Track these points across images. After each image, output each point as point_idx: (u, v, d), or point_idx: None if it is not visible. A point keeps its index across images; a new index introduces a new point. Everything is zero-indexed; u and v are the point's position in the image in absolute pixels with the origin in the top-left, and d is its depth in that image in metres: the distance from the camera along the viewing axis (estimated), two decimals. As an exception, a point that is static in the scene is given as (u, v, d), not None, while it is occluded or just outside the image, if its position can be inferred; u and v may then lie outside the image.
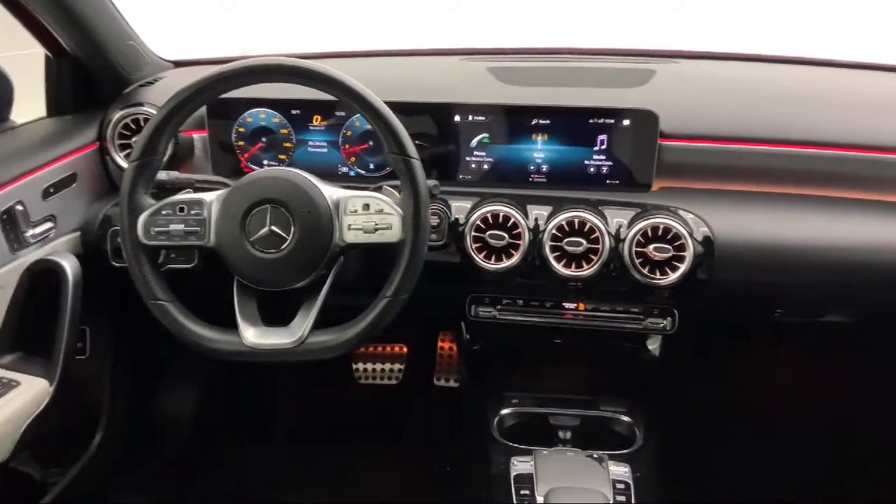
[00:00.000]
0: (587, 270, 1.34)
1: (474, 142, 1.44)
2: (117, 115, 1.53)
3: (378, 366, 2.20)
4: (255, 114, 1.48)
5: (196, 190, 1.27)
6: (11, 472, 1.56)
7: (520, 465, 1.41)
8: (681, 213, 1.36)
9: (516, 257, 1.35)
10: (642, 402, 1.63)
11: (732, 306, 1.47)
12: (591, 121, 1.41)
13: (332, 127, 1.47)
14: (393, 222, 1.17)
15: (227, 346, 1.18)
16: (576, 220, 1.33)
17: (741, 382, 2.00)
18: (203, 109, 1.46)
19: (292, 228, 1.16)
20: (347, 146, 1.47)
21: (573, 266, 1.34)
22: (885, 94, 1.55)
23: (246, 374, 2.08)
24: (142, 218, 1.18)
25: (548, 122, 1.42)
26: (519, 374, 1.72)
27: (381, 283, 1.18)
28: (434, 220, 1.35)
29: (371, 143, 1.46)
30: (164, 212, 1.18)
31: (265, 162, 1.49)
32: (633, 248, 1.32)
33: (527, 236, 1.34)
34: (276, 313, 1.21)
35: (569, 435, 1.54)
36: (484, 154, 1.45)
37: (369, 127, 1.42)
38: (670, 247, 1.31)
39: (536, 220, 1.37)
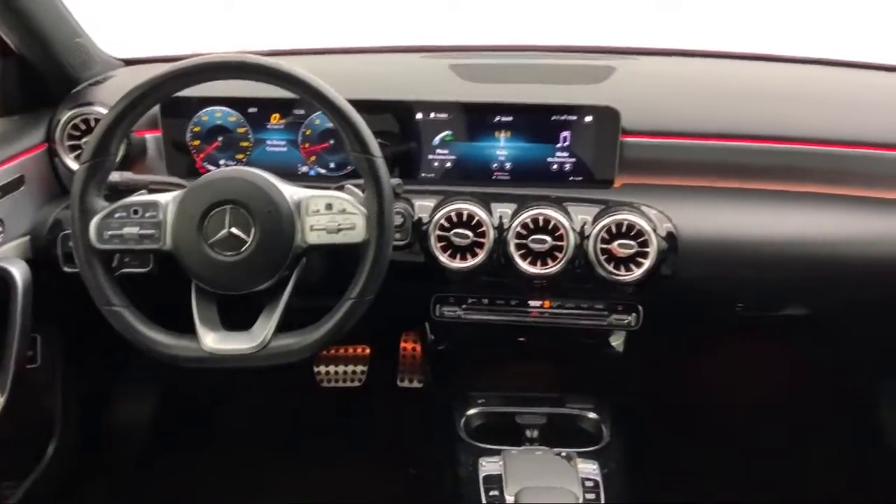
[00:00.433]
0: (552, 268, 1.33)
1: (437, 140, 1.42)
2: (66, 115, 1.48)
3: (341, 368, 2.17)
4: (210, 112, 1.44)
5: (150, 191, 1.24)
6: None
7: (488, 466, 1.40)
8: (644, 209, 1.36)
9: (481, 256, 1.34)
10: (608, 399, 1.63)
11: (696, 301, 1.48)
12: (553, 118, 1.40)
13: (291, 125, 1.44)
14: (356, 222, 1.14)
15: (185, 352, 1.15)
16: (540, 218, 1.33)
17: (705, 377, 2.02)
18: (156, 108, 1.41)
19: (252, 230, 1.13)
20: (307, 145, 1.44)
21: (538, 264, 1.34)
22: (844, 90, 1.57)
23: (204, 379, 2.04)
24: (94, 221, 1.14)
25: (510, 119, 1.41)
26: (484, 373, 1.71)
27: (346, 284, 1.16)
28: (398, 220, 1.33)
29: (332, 142, 1.43)
30: (117, 214, 1.15)
31: (222, 162, 1.45)
32: (598, 245, 1.32)
33: (491, 234, 1.33)
34: (236, 317, 1.18)
35: (536, 434, 1.53)
36: (447, 152, 1.43)
37: (330, 125, 1.40)
38: (634, 243, 1.31)
39: (501, 217, 1.36)
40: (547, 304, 1.46)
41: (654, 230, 1.32)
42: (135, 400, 2.05)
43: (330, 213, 1.15)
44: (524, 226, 1.33)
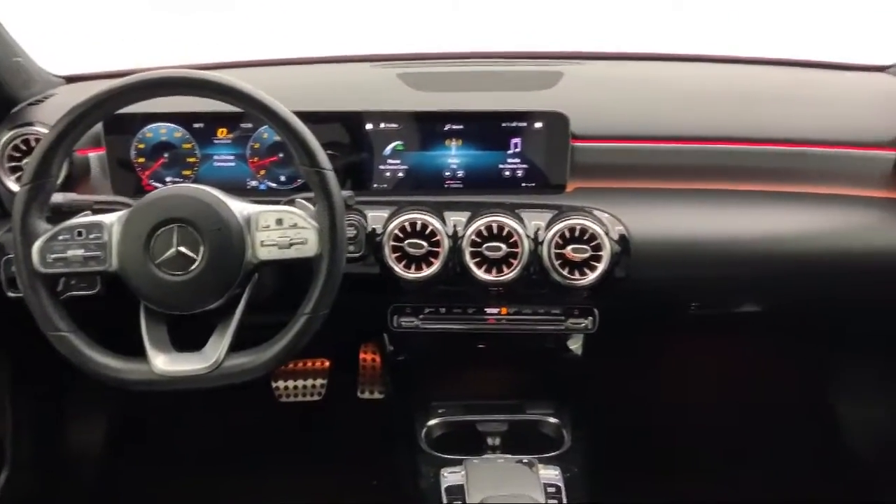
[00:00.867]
0: (508, 275, 1.33)
1: (388, 150, 1.42)
2: (5, 136, 1.44)
3: (299, 382, 2.14)
4: (155, 129, 1.41)
5: (95, 212, 1.21)
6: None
7: (450, 476, 1.40)
8: (596, 213, 1.37)
9: (436, 265, 1.33)
10: (568, 403, 1.64)
11: (650, 302, 1.49)
12: (503, 124, 1.41)
13: (238, 139, 1.42)
14: (308, 236, 1.13)
15: (135, 375, 1.12)
16: (494, 225, 1.33)
17: (663, 376, 2.04)
18: (99, 126, 1.38)
19: (201, 248, 1.11)
20: (256, 159, 1.42)
21: (494, 271, 1.33)
22: (790, 89, 1.60)
23: (158, 399, 2.00)
24: (37, 245, 1.11)
25: (461, 127, 1.41)
26: (444, 382, 1.70)
27: (300, 299, 1.14)
28: (351, 232, 1.31)
29: (281, 155, 1.42)
30: (60, 237, 1.12)
31: (168, 179, 1.42)
32: (552, 251, 1.33)
33: (446, 243, 1.33)
34: (189, 337, 1.16)
35: (498, 441, 1.52)
36: (398, 162, 1.42)
37: (278, 138, 1.38)
38: (588, 247, 1.32)
39: (455, 226, 1.35)
40: (504, 310, 1.46)
41: (607, 234, 1.33)
42: (88, 422, 2.00)
43: (281, 228, 1.13)
44: (478, 234, 1.33)
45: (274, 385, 2.13)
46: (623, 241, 1.36)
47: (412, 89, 1.51)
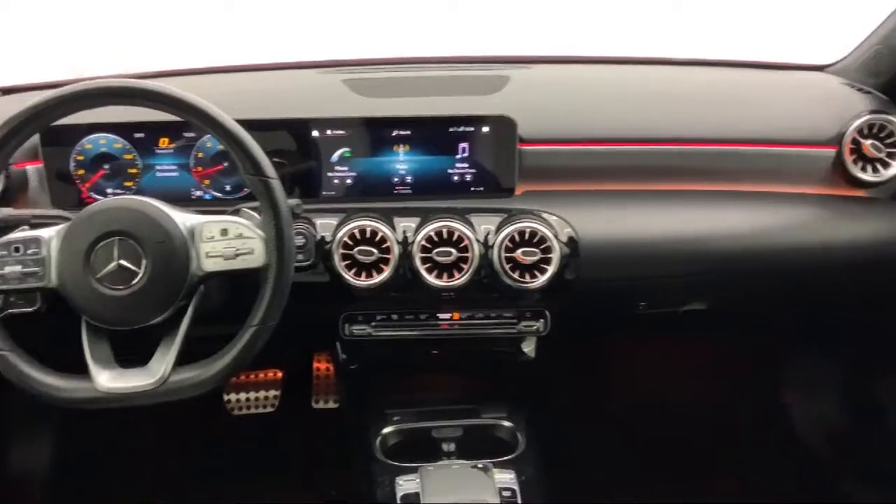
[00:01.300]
0: (459, 280, 1.33)
1: (335, 156, 1.40)
2: None
3: (252, 394, 2.11)
4: (94, 139, 1.37)
5: (33, 226, 1.17)
6: None
7: (405, 485, 1.39)
8: (544, 215, 1.38)
9: (387, 272, 1.32)
10: (522, 406, 1.64)
11: (600, 303, 1.51)
12: (450, 129, 1.40)
13: (181, 149, 1.39)
14: (255, 246, 1.11)
15: (79, 393, 1.09)
16: (444, 230, 1.32)
17: (615, 377, 2.06)
18: (36, 138, 1.34)
19: (143, 261, 1.09)
20: (200, 168, 1.40)
21: (445, 276, 1.33)
22: (728, 89, 1.63)
23: (105, 415, 1.95)
24: None
25: (408, 132, 1.40)
26: (399, 389, 1.69)
27: (249, 311, 1.12)
28: (299, 241, 1.30)
29: (226, 164, 1.39)
30: None
31: (109, 191, 1.39)
32: (502, 254, 1.33)
33: (396, 250, 1.32)
34: (134, 353, 1.13)
35: (453, 447, 1.52)
36: (346, 169, 1.41)
37: (223, 147, 1.35)
38: (537, 250, 1.33)
39: (405, 232, 1.35)
40: (456, 315, 1.46)
41: (556, 236, 1.34)
42: (33, 444, 1.94)
43: (226, 239, 1.11)
44: (428, 239, 1.32)
45: (226, 398, 2.10)
46: (572, 243, 1.37)
47: (359, 95, 1.50)
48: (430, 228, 1.32)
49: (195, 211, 1.17)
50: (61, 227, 1.11)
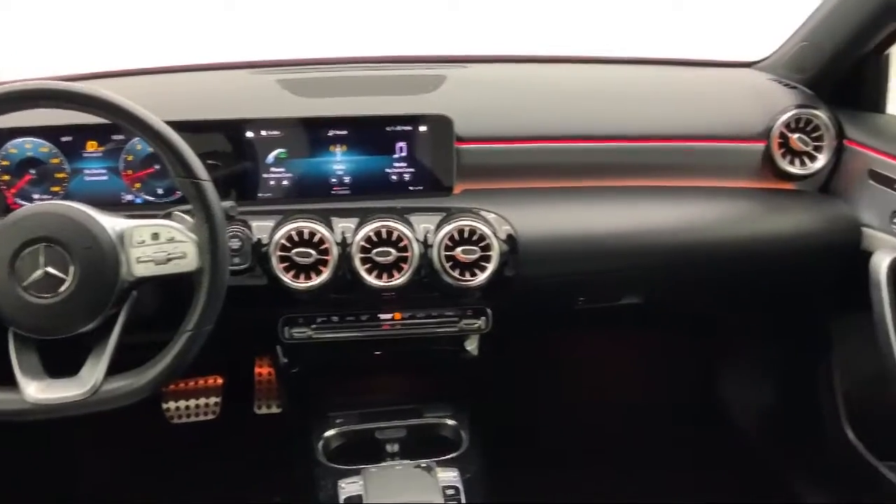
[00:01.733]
0: (399, 279, 1.32)
1: (270, 158, 1.38)
2: None
3: (192, 402, 2.06)
4: (19, 144, 1.33)
5: None
6: None
7: (348, 487, 1.37)
8: (483, 213, 1.38)
9: (326, 273, 1.31)
10: (465, 404, 1.64)
11: (540, 299, 1.52)
12: (387, 129, 1.40)
13: (110, 152, 1.35)
14: (187, 250, 1.09)
15: (6, 405, 1.06)
16: (383, 230, 1.32)
17: (557, 373, 2.08)
18: (-44, 144, 1.29)
19: (71, 268, 1.05)
20: (130, 172, 1.36)
21: (385, 276, 1.32)
22: (661, 86, 1.66)
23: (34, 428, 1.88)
24: None
25: (345, 132, 1.39)
26: (342, 391, 1.68)
27: (184, 316, 1.10)
28: (235, 244, 1.28)
29: (157, 167, 1.36)
30: None
31: (36, 196, 1.35)
32: (442, 253, 1.33)
33: (335, 251, 1.31)
34: (64, 362, 1.10)
35: (396, 447, 1.51)
36: (282, 170, 1.39)
37: (153, 149, 1.32)
38: (477, 248, 1.33)
39: (343, 233, 1.34)
40: (398, 315, 1.45)
41: (495, 234, 1.34)
42: None
43: (157, 243, 1.09)
44: (367, 239, 1.32)
45: (164, 407, 2.05)
46: (511, 240, 1.38)
47: (294, 95, 1.48)
48: (368, 229, 1.32)
49: (126, 215, 1.13)
50: None
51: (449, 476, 1.41)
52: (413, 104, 1.46)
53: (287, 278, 1.30)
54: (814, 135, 1.53)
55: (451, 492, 1.36)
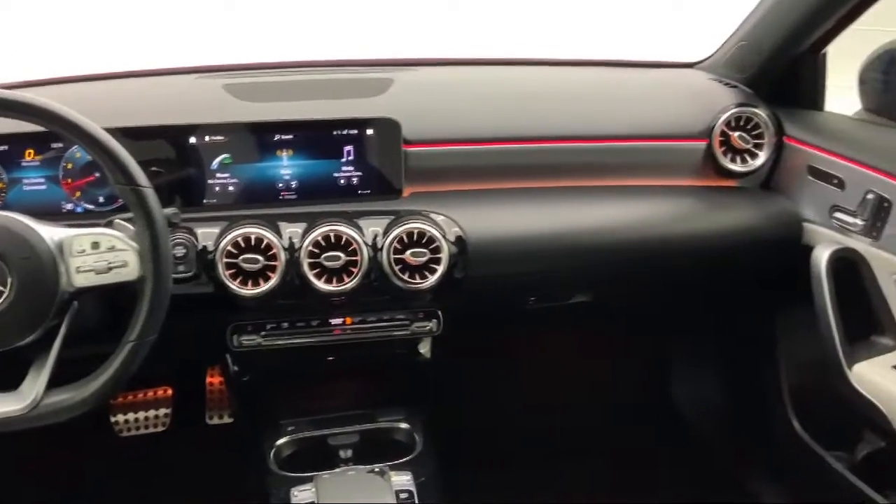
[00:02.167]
0: (349, 284, 1.31)
1: (215, 163, 1.36)
2: None
3: (140, 414, 2.02)
4: None
5: None
6: None
7: (300, 495, 1.36)
8: (432, 216, 1.38)
9: (274, 279, 1.29)
10: (419, 407, 1.64)
11: (491, 300, 1.53)
12: (334, 133, 1.39)
13: (49, 161, 1.32)
14: (128, 259, 1.07)
15: None
16: (332, 235, 1.31)
17: (510, 374, 2.09)
18: None
19: (8, 279, 1.02)
20: (70, 180, 1.33)
21: (334, 281, 1.31)
22: (606, 87, 1.68)
23: None
24: None
25: (291, 137, 1.38)
26: (294, 399, 1.66)
27: (127, 326, 1.07)
28: (179, 251, 1.26)
29: (98, 175, 1.33)
30: None
31: None
32: (391, 256, 1.33)
33: (283, 256, 1.29)
34: (4, 376, 1.07)
35: (350, 453, 1.50)
36: (228, 175, 1.37)
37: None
38: (426, 250, 1.33)
39: (291, 238, 1.32)
40: (349, 320, 1.44)
41: (444, 236, 1.35)
42: None
43: (97, 252, 1.06)
44: (316, 244, 1.30)
45: (113, 420, 2.00)
46: (460, 242, 1.38)
47: (239, 100, 1.47)
48: (317, 233, 1.31)
49: (66, 225, 1.11)
50: None
51: (402, 480, 1.40)
52: (360, 108, 1.45)
53: (234, 285, 1.28)
54: (754, 133, 1.57)
55: (404, 495, 1.36)
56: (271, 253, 1.29)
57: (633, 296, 1.72)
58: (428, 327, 1.46)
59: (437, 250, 1.33)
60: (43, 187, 1.33)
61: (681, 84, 1.71)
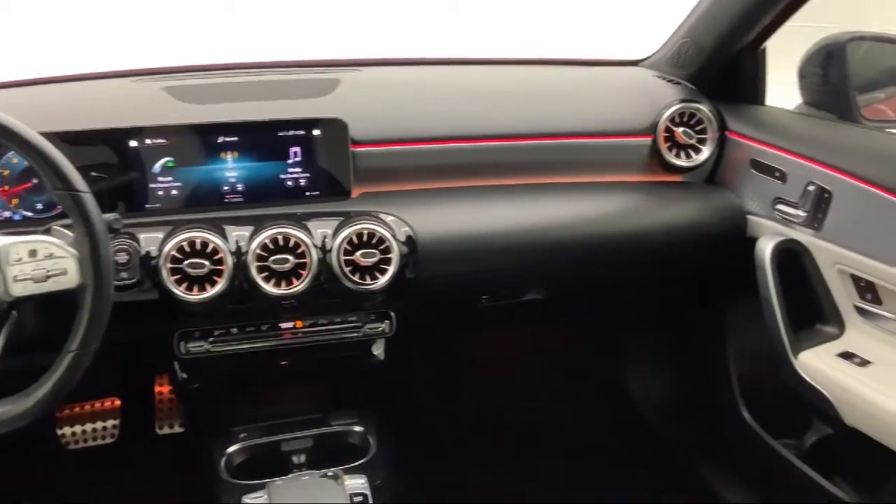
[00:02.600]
0: (298, 286, 1.30)
1: (157, 167, 1.33)
2: None
3: (88, 426, 1.97)
4: None
5: None
6: None
7: (252, 503, 1.34)
8: (382, 216, 1.37)
9: (221, 284, 1.27)
10: (373, 409, 1.63)
11: (443, 299, 1.52)
12: (280, 134, 1.37)
13: None
14: (67, 266, 1.04)
15: None
16: (279, 237, 1.29)
17: (464, 373, 2.09)
18: None
19: None
20: (7, 187, 1.29)
21: (283, 284, 1.30)
22: (552, 85, 1.69)
23: None
24: None
25: (235, 138, 1.36)
26: (246, 405, 1.63)
27: (68, 336, 1.04)
28: (122, 257, 1.23)
29: (35, 181, 1.29)
30: None
31: None
32: (341, 257, 1.31)
33: (229, 260, 1.27)
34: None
35: (303, 458, 1.49)
36: (171, 179, 1.34)
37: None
38: (376, 251, 1.32)
39: (237, 241, 1.30)
40: (300, 323, 1.42)
41: (394, 236, 1.34)
42: None
43: (35, 260, 1.03)
44: (264, 247, 1.29)
45: (59, 433, 1.95)
46: (410, 242, 1.37)
47: (182, 102, 1.44)
48: (264, 236, 1.29)
49: (4, 233, 1.07)
50: None
51: (357, 483, 1.39)
52: (306, 108, 1.44)
53: (179, 291, 1.26)
54: (697, 128, 1.59)
55: (358, 499, 1.35)
56: (218, 257, 1.27)
57: (584, 292, 1.74)
58: (380, 328, 1.45)
59: (387, 251, 1.32)
60: None
61: (626, 81, 1.73)
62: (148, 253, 1.27)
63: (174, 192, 1.35)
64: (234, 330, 1.39)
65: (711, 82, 1.67)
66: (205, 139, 1.34)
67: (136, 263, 1.25)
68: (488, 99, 1.59)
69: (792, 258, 1.43)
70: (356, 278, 1.32)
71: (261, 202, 1.38)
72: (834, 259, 1.37)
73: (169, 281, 1.25)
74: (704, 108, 1.60)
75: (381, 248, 1.32)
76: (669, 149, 1.58)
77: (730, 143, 1.61)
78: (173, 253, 1.25)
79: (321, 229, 1.34)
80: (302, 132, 1.38)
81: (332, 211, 1.38)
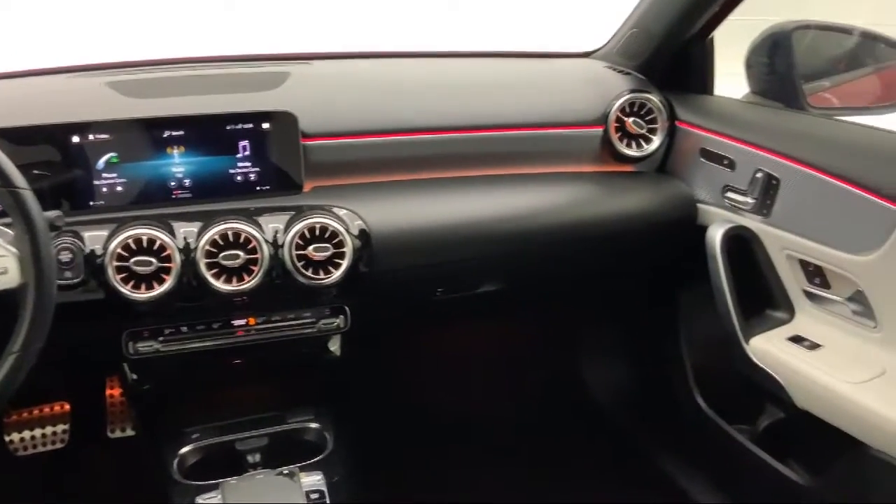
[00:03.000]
0: (250, 283, 1.28)
1: (101, 163, 1.30)
2: None
3: (37, 431, 1.91)
4: None
5: None
6: None
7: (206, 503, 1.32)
8: (335, 210, 1.36)
9: (169, 282, 1.24)
10: (329, 406, 1.61)
11: (397, 293, 1.51)
12: (228, 128, 1.35)
13: None
14: (8, 265, 1.01)
15: None
16: (229, 233, 1.27)
17: (419, 364, 2.08)
18: None
19: None
20: (-57, 186, 1.25)
21: (234, 280, 1.27)
22: (504, 78, 1.69)
23: None
24: None
25: (181, 133, 1.33)
26: (199, 405, 1.60)
27: (9, 337, 1.01)
28: (65, 256, 1.20)
29: None
30: None
31: None
32: (293, 252, 1.29)
33: (177, 257, 1.24)
34: None
35: (258, 457, 1.46)
36: (115, 175, 1.31)
37: None
38: (329, 245, 1.30)
39: (186, 238, 1.27)
40: (252, 320, 1.40)
41: (347, 230, 1.32)
42: None
43: None
44: (213, 243, 1.26)
45: (7, 439, 1.90)
46: (363, 235, 1.36)
47: (126, 97, 1.40)
48: (213, 232, 1.26)
49: None
50: None
51: (313, 480, 1.38)
52: (255, 101, 1.41)
53: (126, 290, 1.23)
54: (648, 118, 1.61)
55: (315, 496, 1.34)
56: (165, 254, 1.24)
57: (539, 284, 1.74)
58: (335, 324, 1.44)
59: (340, 245, 1.31)
60: None
61: (577, 73, 1.73)
62: (93, 251, 1.23)
63: (119, 188, 1.32)
64: (185, 328, 1.37)
65: (661, 73, 1.68)
66: (150, 134, 1.31)
67: (81, 262, 1.21)
68: (441, 91, 1.58)
69: (742, 245, 1.45)
70: (309, 273, 1.31)
71: (210, 198, 1.35)
72: (783, 244, 1.39)
73: (115, 279, 1.22)
74: (654, 98, 1.61)
75: (334, 242, 1.31)
76: (620, 139, 1.59)
77: (679, 132, 1.63)
78: (119, 251, 1.22)
79: (273, 224, 1.32)
80: (251, 126, 1.35)
81: (283, 206, 1.36)
